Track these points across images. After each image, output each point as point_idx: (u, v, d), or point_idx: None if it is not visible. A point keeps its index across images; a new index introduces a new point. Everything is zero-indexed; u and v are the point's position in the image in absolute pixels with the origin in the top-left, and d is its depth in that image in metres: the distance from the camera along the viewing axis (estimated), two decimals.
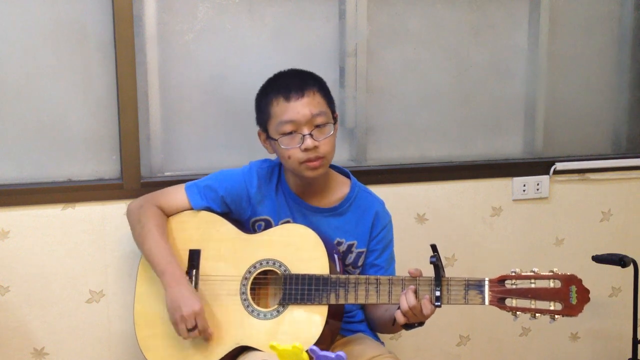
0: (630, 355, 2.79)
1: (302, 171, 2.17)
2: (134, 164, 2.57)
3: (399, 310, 2.01)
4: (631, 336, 2.82)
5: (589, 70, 3.13)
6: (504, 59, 3.01)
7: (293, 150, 2.14)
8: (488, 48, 2.97)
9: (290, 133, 2.14)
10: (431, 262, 1.95)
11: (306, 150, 2.13)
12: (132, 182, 2.57)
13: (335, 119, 2.22)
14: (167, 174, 2.66)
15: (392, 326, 2.17)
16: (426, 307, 1.99)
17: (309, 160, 2.14)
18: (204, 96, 2.68)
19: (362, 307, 2.36)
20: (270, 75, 2.28)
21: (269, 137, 2.21)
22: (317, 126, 2.15)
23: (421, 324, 2.07)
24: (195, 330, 2.10)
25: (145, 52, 2.57)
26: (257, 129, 2.27)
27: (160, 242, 2.20)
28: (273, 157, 2.33)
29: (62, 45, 2.51)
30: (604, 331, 3.20)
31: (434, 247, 1.95)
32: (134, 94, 2.54)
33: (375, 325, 2.31)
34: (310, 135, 2.13)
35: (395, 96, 2.89)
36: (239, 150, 2.71)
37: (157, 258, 2.18)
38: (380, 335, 2.38)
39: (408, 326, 2.08)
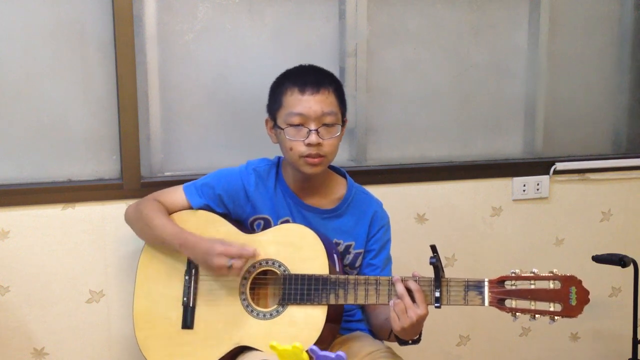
0: (630, 355, 2.79)
1: (300, 165, 2.17)
2: (134, 164, 2.57)
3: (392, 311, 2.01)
4: (631, 336, 2.82)
5: (589, 70, 3.13)
6: (504, 59, 3.01)
7: (296, 143, 2.15)
8: (488, 48, 2.97)
9: (298, 125, 2.15)
10: (431, 263, 1.95)
11: (309, 145, 2.14)
12: (132, 182, 2.57)
13: (344, 122, 2.23)
14: (167, 174, 2.66)
15: (389, 337, 2.18)
16: (411, 307, 1.98)
17: (310, 156, 2.15)
18: (204, 96, 2.68)
19: (364, 313, 2.36)
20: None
21: (275, 126, 2.21)
22: (325, 125, 2.15)
23: (415, 342, 2.07)
24: (233, 262, 2.09)
25: (145, 52, 2.58)
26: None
27: (165, 222, 2.21)
28: (272, 157, 2.33)
29: (62, 45, 2.51)
30: (604, 331, 3.20)
31: (433, 248, 1.95)
32: (134, 94, 2.54)
33: (376, 333, 2.31)
34: (317, 131, 2.14)
35: (395, 96, 2.89)
36: (239, 150, 2.71)
37: (168, 237, 2.19)
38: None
39: (402, 342, 2.09)
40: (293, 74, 2.22)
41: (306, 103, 2.14)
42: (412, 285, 1.99)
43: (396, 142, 2.92)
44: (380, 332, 2.27)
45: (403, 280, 2.01)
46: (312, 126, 2.14)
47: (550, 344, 3.14)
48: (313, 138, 2.13)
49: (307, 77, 2.18)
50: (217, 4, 2.64)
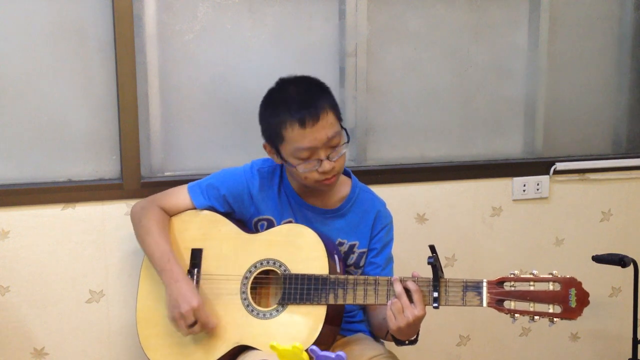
0: (630, 355, 2.79)
1: (317, 187, 2.17)
2: (134, 164, 2.57)
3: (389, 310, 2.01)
4: (631, 336, 2.82)
5: (589, 70, 3.13)
6: (504, 59, 3.01)
7: (310, 173, 2.13)
8: (488, 48, 2.97)
9: (308, 158, 2.11)
10: (429, 263, 1.94)
11: (324, 172, 2.13)
12: (132, 182, 2.57)
13: (344, 129, 2.18)
14: (167, 174, 2.66)
15: (385, 337, 2.19)
16: (408, 307, 1.97)
17: (326, 179, 2.14)
18: (204, 96, 2.68)
19: (365, 312, 2.36)
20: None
21: (280, 156, 2.17)
22: (333, 147, 2.12)
23: (412, 342, 2.07)
24: (196, 325, 2.10)
25: (145, 52, 2.58)
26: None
27: (159, 242, 2.20)
28: None
29: (62, 45, 2.51)
30: (604, 331, 3.20)
31: (432, 248, 1.94)
32: (134, 94, 2.54)
33: (374, 333, 2.32)
34: (327, 157, 2.11)
35: (395, 96, 2.89)
36: (239, 150, 2.71)
37: (155, 257, 2.19)
38: None
39: (399, 342, 2.09)
40: (285, 102, 2.12)
41: (310, 135, 2.08)
42: (411, 285, 1.99)
43: (396, 142, 2.92)
44: (378, 332, 2.28)
45: (402, 281, 2.01)
46: (322, 155, 2.10)
47: (550, 344, 3.14)
48: (327, 167, 2.11)
49: (300, 104, 2.09)
50: (217, 4, 2.64)
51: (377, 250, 2.30)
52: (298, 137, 2.09)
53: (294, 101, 2.11)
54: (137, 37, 2.53)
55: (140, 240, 2.27)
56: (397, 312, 1.98)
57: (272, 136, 2.16)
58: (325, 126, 2.09)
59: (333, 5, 2.77)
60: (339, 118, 2.16)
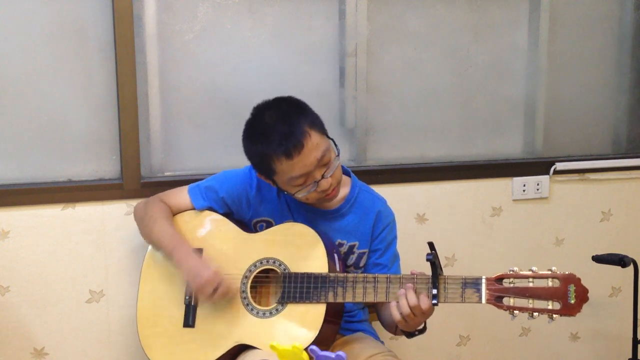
0: (630, 355, 2.79)
1: (321, 203, 2.18)
2: (134, 164, 2.57)
3: (395, 310, 2.00)
4: (631, 336, 2.82)
5: (589, 70, 3.13)
6: (504, 59, 3.01)
7: (311, 194, 2.12)
8: (488, 48, 2.97)
9: (304, 183, 2.10)
10: (427, 260, 1.94)
11: (323, 190, 2.12)
12: (132, 182, 2.57)
13: (329, 137, 2.15)
14: (167, 174, 2.66)
15: (395, 331, 2.19)
16: (424, 302, 1.97)
17: (327, 194, 2.14)
18: (204, 96, 2.68)
19: (374, 307, 2.36)
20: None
21: (276, 185, 2.16)
22: (325, 164, 2.11)
23: (421, 331, 2.08)
24: (219, 289, 2.10)
25: (145, 52, 2.58)
26: None
27: (165, 226, 2.22)
28: None
29: (62, 45, 2.51)
30: (604, 331, 3.20)
31: (431, 245, 1.94)
32: (134, 94, 2.54)
33: (384, 326, 2.32)
34: (322, 176, 2.10)
35: (395, 96, 2.89)
36: (239, 151, 2.68)
37: (164, 241, 2.20)
38: (380, 335, 2.39)
39: (409, 334, 2.09)
40: (264, 135, 2.09)
41: (300, 163, 2.06)
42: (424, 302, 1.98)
43: (396, 142, 2.92)
44: (388, 328, 2.28)
45: (401, 280, 2.01)
46: (317, 175, 2.09)
47: (550, 344, 3.14)
48: (325, 185, 2.10)
49: (281, 136, 2.05)
50: (217, 4, 2.64)
51: (382, 250, 2.30)
52: (288, 168, 2.07)
53: (273, 131, 2.07)
54: (137, 37, 2.54)
55: (147, 231, 2.27)
56: (409, 320, 2.00)
57: (263, 169, 2.14)
58: (312, 149, 2.06)
59: (333, 5, 2.78)
60: (322, 132, 2.12)
